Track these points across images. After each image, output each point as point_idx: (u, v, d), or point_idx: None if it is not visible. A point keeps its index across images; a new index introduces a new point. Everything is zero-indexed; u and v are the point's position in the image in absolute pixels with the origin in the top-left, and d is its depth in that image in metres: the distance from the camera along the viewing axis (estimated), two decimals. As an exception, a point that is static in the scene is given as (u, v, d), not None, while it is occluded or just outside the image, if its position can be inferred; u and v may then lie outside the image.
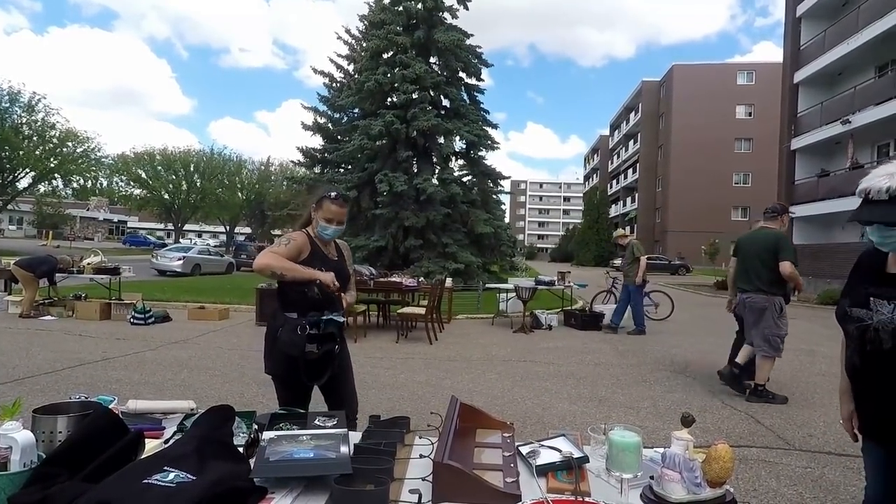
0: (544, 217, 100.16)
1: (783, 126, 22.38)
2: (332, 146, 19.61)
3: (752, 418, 4.24)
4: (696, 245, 38.22)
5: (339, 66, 21.63)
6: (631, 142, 54.55)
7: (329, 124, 21.12)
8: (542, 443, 1.52)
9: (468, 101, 19.05)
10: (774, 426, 4.06)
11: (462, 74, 18.97)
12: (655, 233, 47.97)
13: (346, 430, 1.39)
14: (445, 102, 18.64)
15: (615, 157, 61.22)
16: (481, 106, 19.33)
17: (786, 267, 4.50)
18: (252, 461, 1.23)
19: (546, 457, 1.43)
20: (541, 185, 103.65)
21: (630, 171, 54.61)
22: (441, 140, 18.01)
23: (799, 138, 21.11)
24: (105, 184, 46.88)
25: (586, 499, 1.23)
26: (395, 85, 17.26)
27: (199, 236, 61.30)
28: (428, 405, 4.27)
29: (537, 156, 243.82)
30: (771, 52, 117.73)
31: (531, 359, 6.50)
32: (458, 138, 18.21)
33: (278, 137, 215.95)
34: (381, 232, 16.70)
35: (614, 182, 60.48)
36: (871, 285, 1.55)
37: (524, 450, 1.49)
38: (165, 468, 1.02)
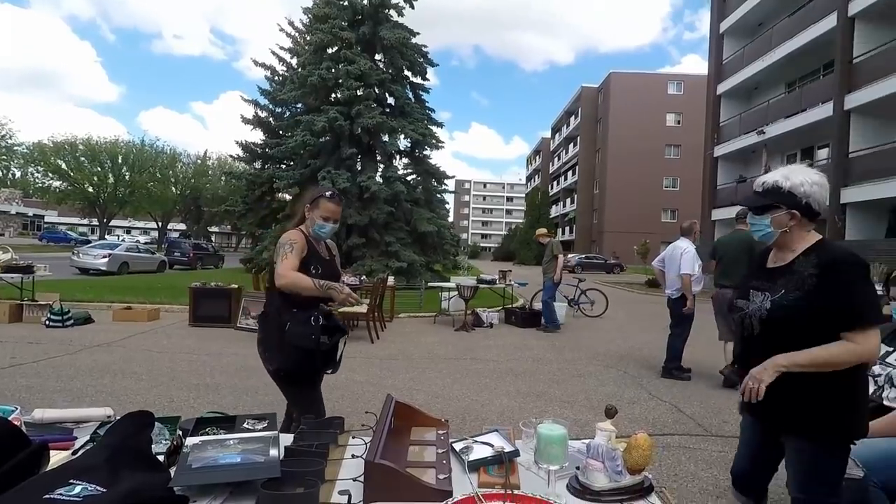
0: (488, 216, 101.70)
1: (707, 134, 23.94)
2: (274, 141, 18.99)
3: (675, 408, 4.51)
4: (629, 245, 40.10)
5: (281, 59, 20.96)
6: (571, 145, 56.45)
7: (270, 119, 20.43)
8: (475, 439, 1.55)
9: (413, 100, 19.00)
10: (695, 414, 4.34)
11: (407, 73, 18.90)
12: (593, 233, 49.91)
13: (276, 432, 1.35)
14: (390, 100, 18.51)
15: (556, 160, 63.13)
16: (426, 105, 19.34)
17: None
18: (173, 470, 1.17)
19: (479, 452, 1.46)
20: (484, 184, 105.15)
21: (570, 173, 56.51)
22: (385, 138, 17.87)
23: (721, 146, 22.67)
24: (18, 174, 43.08)
25: (515, 492, 1.26)
26: (340, 81, 16.96)
27: (128, 232, 57.52)
28: (367, 405, 4.23)
29: (481, 156, 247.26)
30: (698, 64, 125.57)
31: (472, 356, 6.59)
32: (402, 136, 18.14)
33: (216, 130, 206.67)
34: (323, 230, 16.37)
35: (555, 183, 62.35)
36: (754, 279, 1.77)
37: (458, 446, 1.51)
38: (71, 481, 0.95)
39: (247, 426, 1.42)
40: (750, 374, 1.60)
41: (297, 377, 2.27)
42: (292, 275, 2.17)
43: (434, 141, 18.48)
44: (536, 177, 73.13)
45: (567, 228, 56.74)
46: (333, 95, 17.79)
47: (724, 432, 3.92)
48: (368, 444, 1.34)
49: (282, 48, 20.90)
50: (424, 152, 18.96)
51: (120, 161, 41.27)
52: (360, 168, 17.68)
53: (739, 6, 21.73)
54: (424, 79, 19.18)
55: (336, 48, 17.98)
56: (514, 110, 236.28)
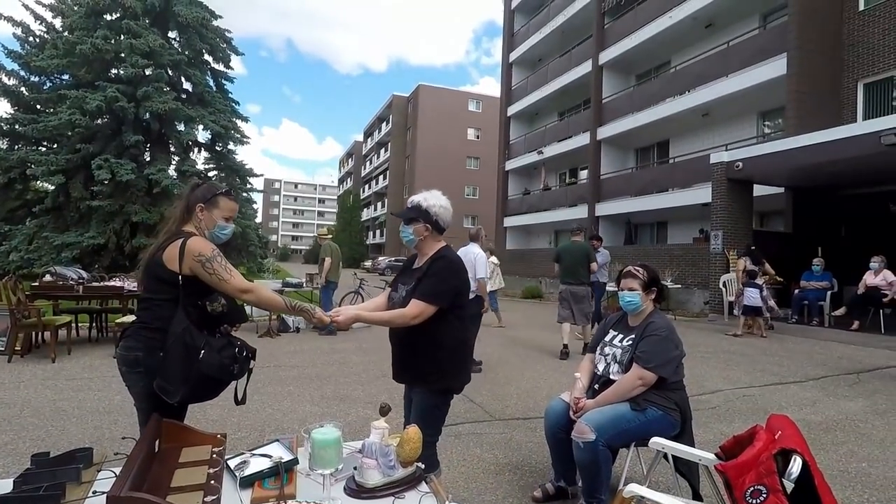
0: (299, 218, 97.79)
1: (500, 150, 26.93)
2: (28, 117, 15.24)
3: (467, 398, 4.95)
4: (436, 248, 42.50)
5: (38, 17, 16.94)
6: (382, 150, 57.72)
7: (22, 88, 16.34)
8: (253, 452, 1.50)
9: (215, 88, 17.39)
10: (483, 403, 4.84)
11: (208, 57, 17.21)
12: (404, 236, 51.77)
13: (-15, 480, 1.10)
14: (187, 86, 16.61)
15: (368, 163, 63.85)
16: (230, 95, 17.85)
17: (594, 266, 7.08)
18: None
19: (256, 466, 1.42)
20: (296, 185, 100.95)
21: (381, 177, 57.71)
22: (181, 127, 15.94)
23: (510, 161, 25.72)
24: None
25: (289, 502, 1.25)
26: (122, 55, 14.57)
27: None
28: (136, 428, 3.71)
29: (293, 155, 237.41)
30: (493, 87, 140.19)
31: (276, 363, 6.28)
32: (201, 127, 16.43)
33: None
34: (99, 228, 13.93)
35: (367, 187, 63.02)
36: (404, 276, 2.37)
37: (233, 462, 1.44)
38: None
39: (-57, 479, 1.13)
40: (341, 315, 2.13)
41: (180, 410, 1.97)
42: (260, 289, 2.02)
43: (238, 135, 17.17)
44: (349, 179, 72.93)
45: (378, 231, 57.85)
46: (114, 71, 15.20)
47: (505, 416, 4.45)
48: (118, 476, 1.19)
49: (38, 2, 16.95)
50: (228, 147, 17.47)
51: None
52: (148, 159, 15.45)
53: (525, 41, 25.00)
54: (228, 66, 17.68)
55: (117, 15, 15.39)
56: (327, 111, 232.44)
